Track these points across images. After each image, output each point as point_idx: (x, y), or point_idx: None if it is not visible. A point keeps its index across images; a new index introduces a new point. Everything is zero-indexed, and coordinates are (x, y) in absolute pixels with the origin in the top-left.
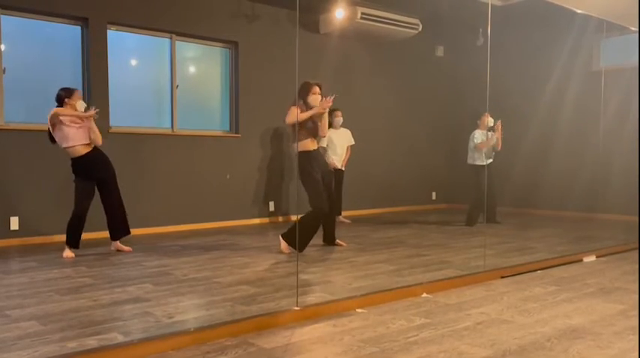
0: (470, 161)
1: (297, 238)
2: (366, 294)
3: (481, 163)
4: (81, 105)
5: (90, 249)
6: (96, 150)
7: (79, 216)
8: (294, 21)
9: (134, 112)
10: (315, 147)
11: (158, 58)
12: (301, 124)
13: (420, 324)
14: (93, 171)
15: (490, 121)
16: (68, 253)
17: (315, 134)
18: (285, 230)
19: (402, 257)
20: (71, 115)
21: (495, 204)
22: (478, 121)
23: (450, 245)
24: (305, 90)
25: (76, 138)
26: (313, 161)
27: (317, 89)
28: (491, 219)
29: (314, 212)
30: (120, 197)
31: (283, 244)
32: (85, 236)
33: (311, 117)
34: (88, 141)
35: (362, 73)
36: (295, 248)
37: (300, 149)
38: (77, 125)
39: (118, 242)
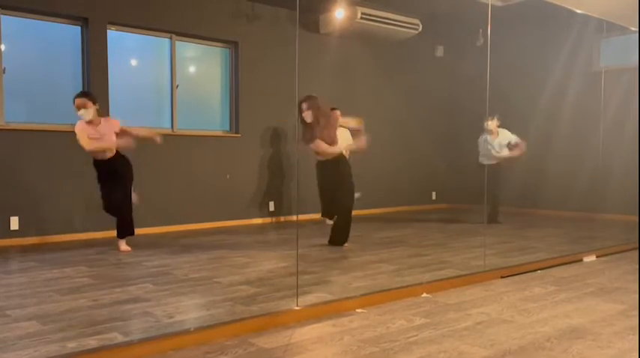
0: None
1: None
2: (366, 294)
3: (481, 162)
4: (84, 113)
5: (90, 249)
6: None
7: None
8: (294, 21)
9: (134, 112)
10: (323, 159)
11: (158, 58)
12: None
13: (420, 324)
14: (110, 167)
15: (489, 124)
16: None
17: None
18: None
19: (402, 257)
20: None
21: (497, 204)
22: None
23: (450, 245)
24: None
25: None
26: (323, 169)
27: (302, 107)
28: (492, 219)
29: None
30: (127, 195)
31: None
32: (85, 236)
33: (311, 128)
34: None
35: (362, 73)
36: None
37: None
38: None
39: (123, 240)
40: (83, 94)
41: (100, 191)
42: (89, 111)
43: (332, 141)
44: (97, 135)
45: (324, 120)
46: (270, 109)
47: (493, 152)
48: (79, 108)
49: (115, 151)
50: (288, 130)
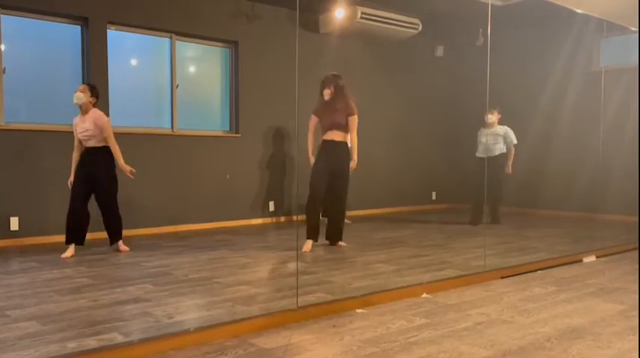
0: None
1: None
2: (366, 294)
3: (479, 155)
4: (75, 98)
5: (90, 249)
6: (97, 150)
7: (70, 211)
8: (294, 21)
9: (134, 112)
10: (328, 138)
11: (158, 58)
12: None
13: (420, 324)
14: (91, 158)
15: (489, 118)
16: (66, 253)
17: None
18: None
19: (402, 257)
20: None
21: (498, 204)
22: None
23: (450, 245)
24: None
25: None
26: (321, 150)
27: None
28: (493, 219)
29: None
30: (111, 202)
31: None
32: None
33: (327, 108)
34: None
35: (362, 73)
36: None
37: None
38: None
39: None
40: (87, 83)
41: (73, 187)
42: (80, 96)
43: (332, 126)
44: (80, 122)
45: (335, 102)
46: (270, 109)
47: (482, 139)
48: (76, 91)
49: (100, 144)
50: (289, 130)
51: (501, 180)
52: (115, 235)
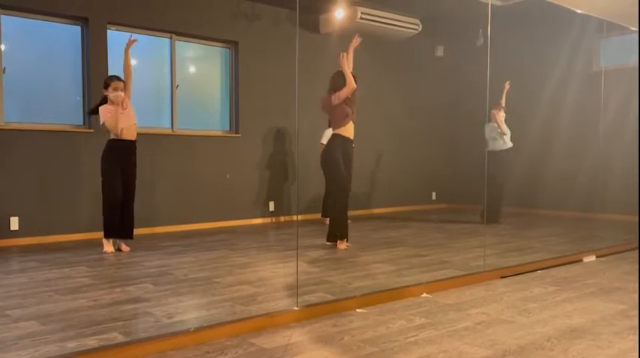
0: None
1: (338, 228)
2: (366, 294)
3: (492, 149)
4: (115, 97)
5: (90, 248)
6: (134, 144)
7: (117, 204)
8: (294, 21)
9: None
10: (345, 135)
11: (158, 58)
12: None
13: (420, 324)
14: (131, 152)
15: (501, 116)
16: (107, 248)
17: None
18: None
19: (402, 257)
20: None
21: (501, 198)
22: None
23: (450, 245)
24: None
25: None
26: (338, 146)
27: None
28: (494, 218)
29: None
30: (133, 198)
31: (342, 245)
32: (84, 236)
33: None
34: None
35: (362, 74)
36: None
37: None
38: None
39: (122, 242)
40: (117, 77)
41: (111, 179)
42: (120, 94)
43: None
44: (122, 115)
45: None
46: (270, 109)
47: (492, 133)
48: (114, 90)
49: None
50: (289, 130)
51: (506, 172)
52: (131, 231)
